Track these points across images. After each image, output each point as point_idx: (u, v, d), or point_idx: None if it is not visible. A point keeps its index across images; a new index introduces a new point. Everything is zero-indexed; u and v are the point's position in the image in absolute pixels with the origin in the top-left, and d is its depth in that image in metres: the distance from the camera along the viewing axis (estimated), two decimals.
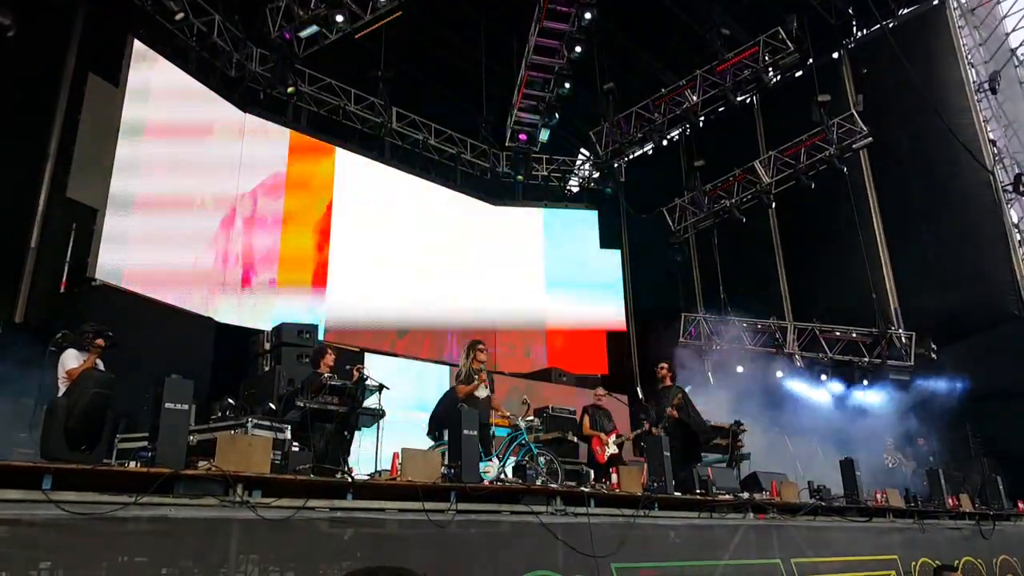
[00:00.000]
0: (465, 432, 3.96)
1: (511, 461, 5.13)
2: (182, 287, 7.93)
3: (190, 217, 8.26)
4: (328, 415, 4.88)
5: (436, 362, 9.87)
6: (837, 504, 5.71)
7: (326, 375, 5.07)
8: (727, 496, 5.10)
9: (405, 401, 8.12)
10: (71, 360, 4.01)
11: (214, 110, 8.87)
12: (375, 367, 7.46)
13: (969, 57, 10.40)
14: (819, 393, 10.39)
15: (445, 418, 5.45)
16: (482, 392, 5.34)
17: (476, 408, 4.98)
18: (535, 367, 11.43)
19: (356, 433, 5.25)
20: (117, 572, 2.65)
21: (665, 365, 6.11)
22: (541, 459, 5.19)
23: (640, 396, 11.01)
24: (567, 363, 11.42)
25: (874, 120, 10.52)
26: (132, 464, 3.07)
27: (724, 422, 7.86)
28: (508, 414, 5.37)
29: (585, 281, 12.33)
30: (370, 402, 5.23)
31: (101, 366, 4.21)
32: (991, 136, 10.17)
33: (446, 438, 4.49)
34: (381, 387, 5.15)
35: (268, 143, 9.57)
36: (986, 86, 10.12)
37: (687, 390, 6.12)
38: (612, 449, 5.90)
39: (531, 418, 6.06)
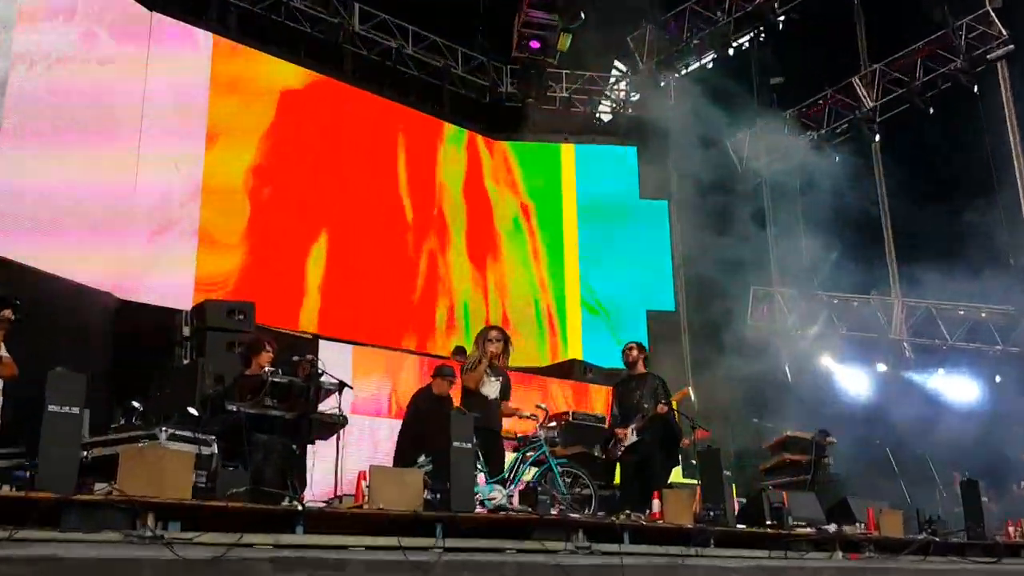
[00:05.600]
0: (456, 443, 4.00)
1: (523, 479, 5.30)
2: (71, 250, 7.90)
3: (81, 154, 8.21)
4: (270, 423, 4.92)
5: (418, 353, 9.83)
6: (955, 540, 5.75)
7: (267, 370, 5.15)
8: (808, 529, 5.14)
9: (376, 404, 8.40)
10: None
11: (111, 7, 8.81)
12: (334, 359, 7.28)
13: None
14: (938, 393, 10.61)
15: (419, 427, 5.68)
16: (490, 390, 5.46)
17: (483, 412, 5.15)
18: (553, 358, 11.36)
19: (309, 446, 5.35)
20: None
21: (635, 345, 6.35)
22: (565, 479, 5.33)
23: (691, 396, 11.21)
24: (596, 352, 11.33)
25: (1018, 21, 10.31)
26: (4, 488, 3.04)
27: (804, 432, 8.00)
28: (528, 414, 5.57)
29: (620, 243, 12.18)
30: (327, 405, 5.27)
31: (3, 351, 4.23)
32: None
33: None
34: (342, 386, 5.19)
35: (184, 51, 9.52)
36: None
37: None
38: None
39: (551, 423, 6.37)
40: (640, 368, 6.26)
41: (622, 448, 5.95)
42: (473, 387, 5.38)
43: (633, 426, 5.94)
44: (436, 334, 11.08)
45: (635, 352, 6.29)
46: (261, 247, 9.73)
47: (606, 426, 6.96)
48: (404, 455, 5.74)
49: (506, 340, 5.59)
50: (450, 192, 11.73)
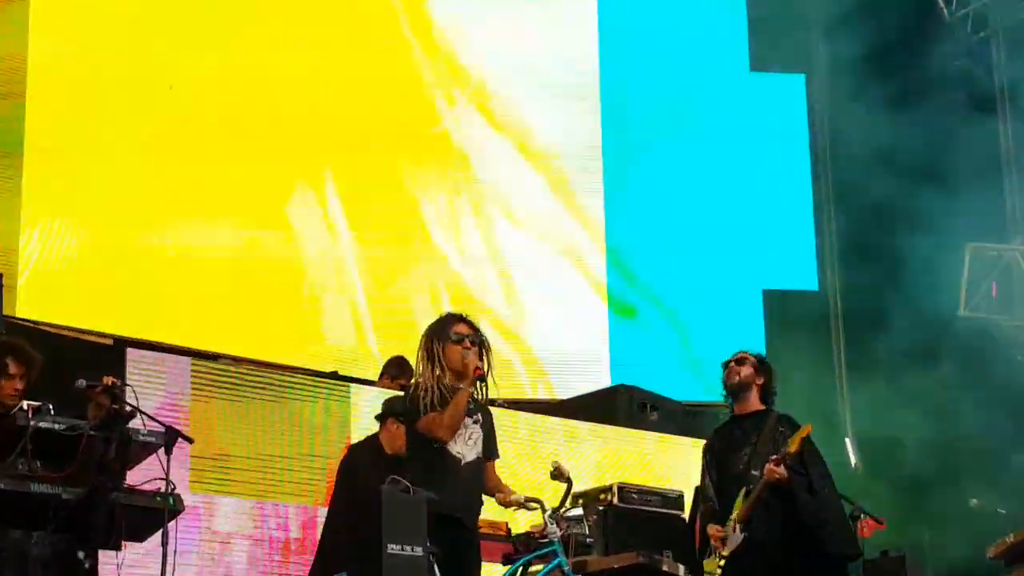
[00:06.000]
0: (393, 549, 4.23)
1: None
2: None
3: None
4: (32, 507, 4.88)
5: (320, 375, 9.86)
6: None
7: (24, 406, 5.15)
8: None
9: (244, 473, 8.43)
10: None
11: None
12: (157, 384, 7.66)
13: None
14: None
15: (359, 517, 5.75)
16: (467, 447, 5.45)
17: (449, 488, 5.26)
18: (582, 385, 11.51)
19: (109, 553, 5.31)
20: None
21: (747, 357, 6.46)
22: None
23: (851, 452, 11.45)
24: (660, 374, 11.64)
25: None
26: None
27: None
28: (523, 499, 5.56)
29: (707, 160, 12.33)
30: (143, 474, 5.28)
31: None
32: None
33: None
34: (172, 436, 5.20)
35: None
36: None
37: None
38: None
39: (575, 511, 6.59)
40: (753, 401, 6.32)
41: (720, 559, 5.98)
42: (446, 438, 5.34)
43: (734, 516, 5.99)
44: (357, 336, 11.36)
45: (746, 369, 6.34)
46: (13, 184, 9.93)
47: (685, 514, 7.33)
48: (330, 571, 5.91)
49: (483, 344, 5.59)
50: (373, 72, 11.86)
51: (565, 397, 11.42)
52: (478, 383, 5.49)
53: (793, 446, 5.96)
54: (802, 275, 12.52)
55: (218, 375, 8.86)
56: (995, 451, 10.85)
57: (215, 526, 8.10)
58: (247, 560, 8.21)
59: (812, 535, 6.04)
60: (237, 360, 9.83)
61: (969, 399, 10.97)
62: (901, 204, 11.47)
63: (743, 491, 6.00)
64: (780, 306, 12.24)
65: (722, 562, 5.98)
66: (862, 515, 6.79)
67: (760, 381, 6.31)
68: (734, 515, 5.98)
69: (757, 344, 10.57)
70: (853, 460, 11.48)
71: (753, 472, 6.02)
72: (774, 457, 5.91)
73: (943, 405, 10.87)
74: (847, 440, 11.67)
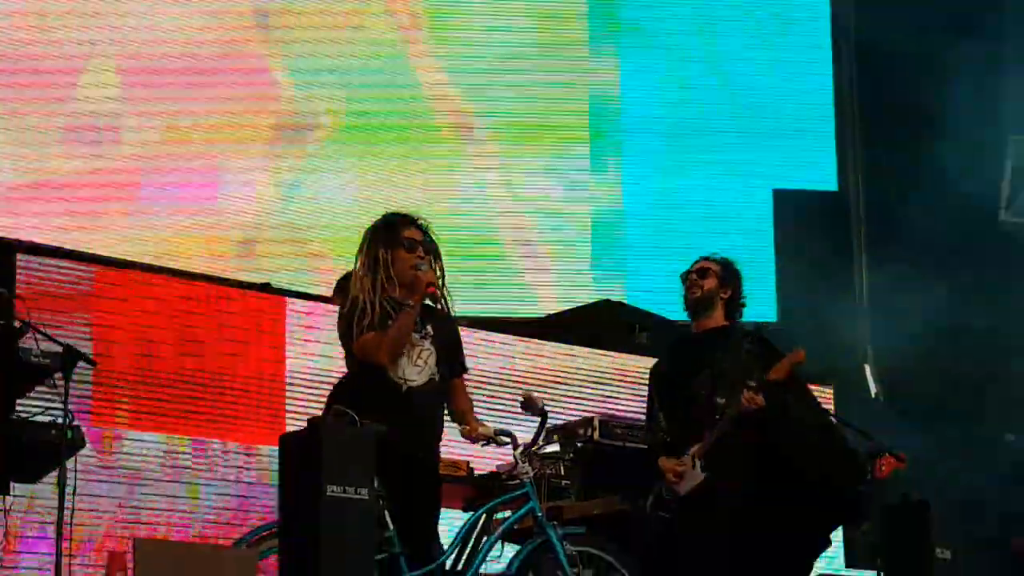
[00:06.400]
0: (331, 491, 4.31)
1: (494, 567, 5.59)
2: None
3: None
4: None
5: (257, 288, 9.53)
6: None
7: None
8: None
9: (158, 403, 8.11)
10: None
11: None
12: (49, 301, 7.55)
13: None
14: None
15: None
16: (415, 369, 5.48)
17: (397, 417, 5.32)
18: (561, 296, 11.60)
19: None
20: None
21: (710, 265, 6.44)
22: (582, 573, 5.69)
23: (871, 380, 11.40)
24: (658, 287, 10.92)
25: None
26: None
27: None
28: (492, 432, 5.62)
29: (709, 23, 12.19)
30: (33, 404, 5.49)
31: None
32: None
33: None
34: (70, 357, 5.28)
35: None
36: None
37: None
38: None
39: (549, 445, 6.76)
40: (715, 317, 6.26)
41: (672, 497, 5.96)
42: (385, 362, 5.36)
43: (692, 451, 5.92)
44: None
45: (709, 282, 6.27)
46: None
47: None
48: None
49: (436, 253, 5.59)
50: None
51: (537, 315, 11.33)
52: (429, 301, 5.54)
53: (778, 372, 5.97)
54: (820, 172, 12.34)
55: (127, 286, 8.64)
56: None
57: (122, 464, 7.91)
58: (161, 505, 7.94)
59: (795, 469, 6.00)
60: (149, 268, 9.32)
61: (1013, 319, 11.01)
62: (935, 89, 11.09)
63: (714, 419, 6.01)
64: (795, 208, 12.08)
65: (674, 499, 5.99)
66: (881, 451, 6.63)
67: (726, 294, 6.31)
68: (693, 449, 5.96)
69: (761, 249, 11.92)
70: (874, 389, 11.43)
71: (718, 399, 6.00)
72: (752, 384, 5.85)
73: (983, 327, 10.85)
74: (867, 367, 11.56)
